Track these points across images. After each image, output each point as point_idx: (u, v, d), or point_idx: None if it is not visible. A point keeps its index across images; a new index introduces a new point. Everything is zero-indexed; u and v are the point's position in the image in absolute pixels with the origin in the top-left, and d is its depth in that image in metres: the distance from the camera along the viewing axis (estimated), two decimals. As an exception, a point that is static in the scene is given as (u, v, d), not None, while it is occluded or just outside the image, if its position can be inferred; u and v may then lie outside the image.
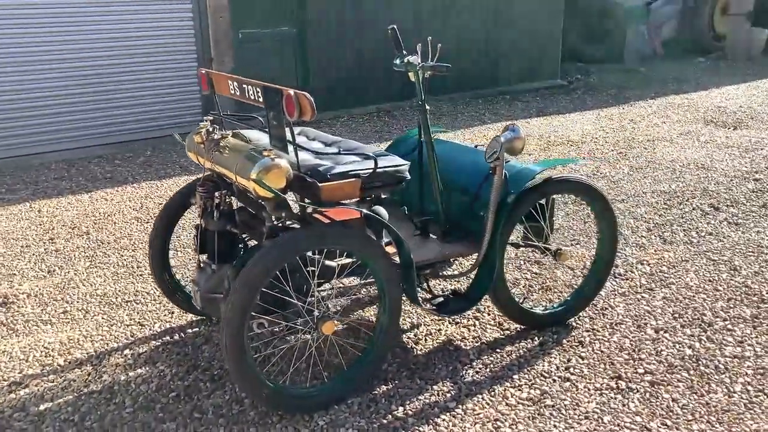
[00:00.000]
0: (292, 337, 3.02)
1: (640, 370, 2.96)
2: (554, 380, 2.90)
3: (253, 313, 2.56)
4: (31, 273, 4.04)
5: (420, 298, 2.90)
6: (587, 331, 3.29)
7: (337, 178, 2.56)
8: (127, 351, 3.17)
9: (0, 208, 5.20)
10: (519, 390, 2.84)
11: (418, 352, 3.12)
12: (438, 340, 3.21)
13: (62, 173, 6.12)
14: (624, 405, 2.73)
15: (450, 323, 3.35)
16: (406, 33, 8.68)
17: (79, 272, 4.03)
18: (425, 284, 3.20)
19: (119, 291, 3.78)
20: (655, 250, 4.21)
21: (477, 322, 3.36)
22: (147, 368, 3.02)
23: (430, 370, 2.98)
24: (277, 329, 2.78)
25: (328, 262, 2.71)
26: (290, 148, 2.57)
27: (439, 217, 3.16)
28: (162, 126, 7.18)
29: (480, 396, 2.80)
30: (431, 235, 3.22)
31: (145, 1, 6.87)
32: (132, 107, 7.04)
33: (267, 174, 2.47)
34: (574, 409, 2.71)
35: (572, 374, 2.94)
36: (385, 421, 2.64)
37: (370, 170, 2.61)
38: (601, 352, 3.11)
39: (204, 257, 2.99)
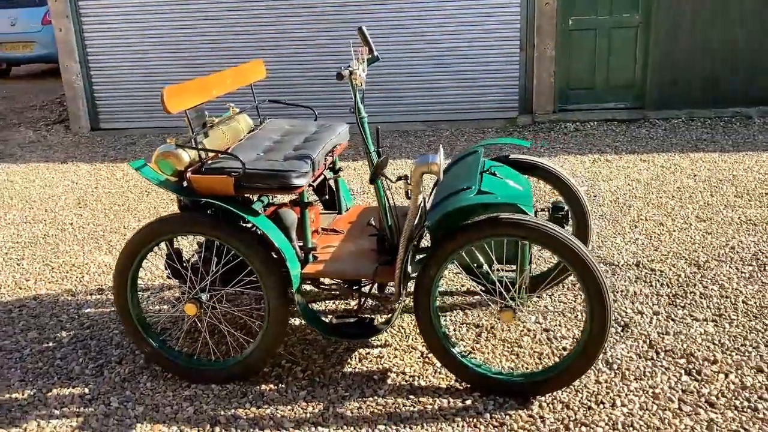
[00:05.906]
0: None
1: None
2: (407, 448, 2.48)
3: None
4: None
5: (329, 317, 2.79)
6: (530, 417, 2.60)
7: (210, 173, 2.69)
8: (168, 292, 3.81)
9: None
10: (361, 441, 2.53)
11: (348, 369, 2.97)
12: (382, 365, 2.98)
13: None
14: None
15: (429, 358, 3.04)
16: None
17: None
18: (359, 302, 2.99)
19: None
20: (814, 361, 2.86)
21: (443, 364, 2.97)
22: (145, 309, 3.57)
23: (325, 389, 2.84)
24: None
25: (208, 253, 2.86)
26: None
27: (387, 235, 2.90)
28: (481, 109, 7.44)
29: (322, 429, 2.60)
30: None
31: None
32: (454, 89, 7.48)
33: (163, 159, 2.77)
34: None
35: (437, 451, 2.45)
36: (230, 413, 2.71)
37: (240, 170, 2.66)
38: (507, 444, 2.47)
39: None
